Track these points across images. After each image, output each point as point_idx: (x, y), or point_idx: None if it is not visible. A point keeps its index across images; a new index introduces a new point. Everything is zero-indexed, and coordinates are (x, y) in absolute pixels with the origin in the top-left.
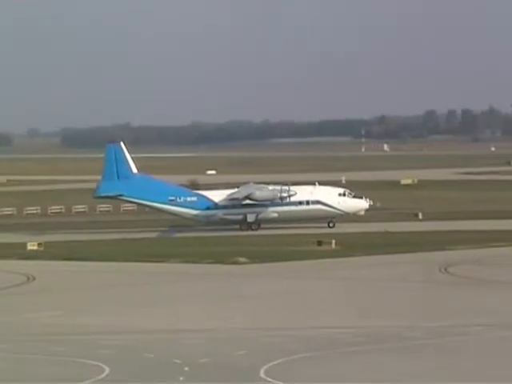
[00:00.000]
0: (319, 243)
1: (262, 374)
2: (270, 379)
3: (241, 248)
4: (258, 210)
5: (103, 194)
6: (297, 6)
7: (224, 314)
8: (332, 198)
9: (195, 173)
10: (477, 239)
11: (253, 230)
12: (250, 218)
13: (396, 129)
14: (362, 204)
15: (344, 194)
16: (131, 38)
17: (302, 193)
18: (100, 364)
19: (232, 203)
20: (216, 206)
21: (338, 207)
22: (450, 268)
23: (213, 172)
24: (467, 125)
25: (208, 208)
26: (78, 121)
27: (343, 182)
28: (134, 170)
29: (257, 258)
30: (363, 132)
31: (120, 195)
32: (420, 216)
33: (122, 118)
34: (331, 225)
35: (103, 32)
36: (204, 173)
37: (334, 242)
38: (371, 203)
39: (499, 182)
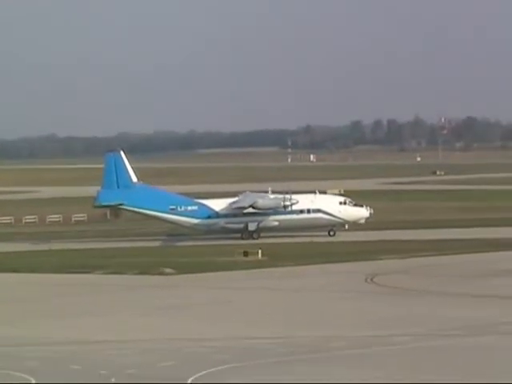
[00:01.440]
0: (245, 254)
1: None
2: None
3: (167, 259)
4: (259, 218)
5: (105, 203)
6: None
7: (150, 325)
8: (333, 206)
9: None
10: (403, 249)
11: (254, 238)
12: (252, 226)
13: (322, 139)
14: (363, 212)
15: (345, 203)
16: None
17: (303, 201)
18: (26, 376)
19: (233, 212)
20: (217, 215)
21: (339, 216)
22: (376, 278)
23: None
24: (393, 135)
25: (209, 217)
26: (4, 132)
27: (269, 192)
28: (134, 179)
29: (183, 268)
30: (289, 142)
31: (120, 204)
32: (346, 226)
33: (47, 129)
34: (332, 233)
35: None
36: None
37: (260, 252)
38: (371, 212)
39: (425, 191)
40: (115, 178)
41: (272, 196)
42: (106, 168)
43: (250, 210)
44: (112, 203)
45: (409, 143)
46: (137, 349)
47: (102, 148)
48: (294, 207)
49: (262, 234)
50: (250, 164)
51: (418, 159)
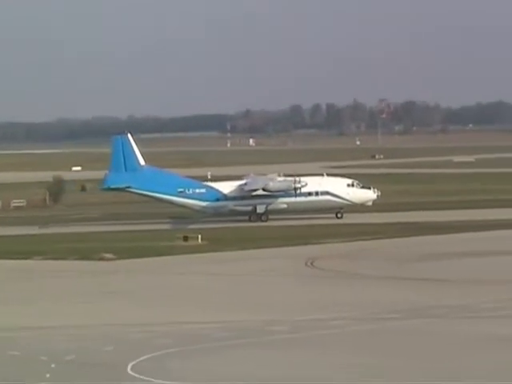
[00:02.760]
0: (185, 238)
1: (129, 370)
2: (137, 375)
3: (108, 244)
4: (268, 201)
5: (112, 186)
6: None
7: (91, 311)
8: (341, 188)
9: (61, 169)
10: (344, 233)
11: (262, 221)
12: (260, 209)
13: (261, 123)
14: (370, 195)
15: (352, 185)
16: None
17: (312, 184)
18: None
19: (241, 194)
20: (225, 198)
21: (347, 198)
22: (316, 261)
23: (78, 168)
24: (332, 119)
25: (217, 199)
26: None
27: (209, 177)
28: (142, 162)
29: (123, 253)
30: (229, 127)
31: (128, 187)
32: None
33: None
34: (339, 215)
35: None
36: (70, 169)
37: (200, 236)
38: (379, 194)
39: (364, 175)
40: (123, 161)
41: (281, 178)
42: (113, 151)
43: (260, 192)
44: (120, 186)
45: (348, 127)
46: (76, 335)
47: (41, 133)
48: (303, 190)
49: (270, 217)
50: (190, 148)
51: (358, 143)
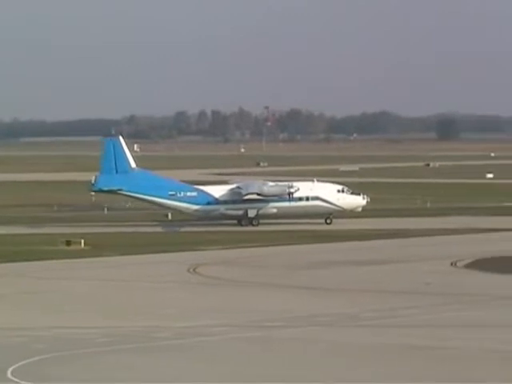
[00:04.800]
0: (68, 243)
1: (9, 375)
2: (17, 380)
3: None
4: (259, 205)
5: (104, 188)
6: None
7: None
8: (331, 194)
9: None
10: (227, 240)
11: (253, 225)
12: (251, 213)
13: (146, 129)
14: (360, 201)
15: (343, 191)
16: None
17: (302, 189)
18: None
19: (232, 198)
20: (217, 202)
21: (337, 203)
22: (199, 268)
23: None
24: (217, 126)
25: (208, 203)
26: None
27: (93, 182)
28: (133, 165)
29: (3, 257)
30: (113, 132)
31: (119, 189)
32: (170, 216)
33: None
34: (328, 221)
35: None
36: None
37: (83, 241)
38: (368, 200)
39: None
40: (114, 163)
41: (273, 183)
42: (104, 153)
43: (253, 196)
44: (111, 188)
45: (233, 134)
46: None
47: None
48: (294, 194)
49: (260, 221)
50: (74, 153)
51: (242, 150)
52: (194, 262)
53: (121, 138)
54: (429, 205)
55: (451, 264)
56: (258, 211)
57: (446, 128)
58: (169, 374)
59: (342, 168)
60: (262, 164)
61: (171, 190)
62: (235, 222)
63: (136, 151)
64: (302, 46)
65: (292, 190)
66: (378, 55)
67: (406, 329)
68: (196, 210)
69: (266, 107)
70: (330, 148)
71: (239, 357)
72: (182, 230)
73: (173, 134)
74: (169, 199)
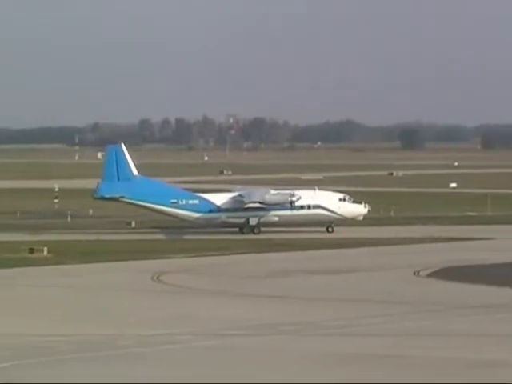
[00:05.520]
0: (31, 250)
1: None
2: None
3: None
4: (260, 213)
5: (106, 195)
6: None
7: None
8: (333, 202)
9: None
10: (190, 248)
11: (255, 233)
12: (253, 221)
13: (110, 137)
14: (361, 209)
15: (344, 199)
16: None
17: (304, 197)
18: None
19: (234, 206)
20: (218, 209)
21: (339, 212)
22: (162, 276)
23: None
24: (181, 134)
25: (210, 211)
26: None
27: (56, 189)
28: (135, 172)
29: None
30: (77, 139)
31: (121, 197)
32: (133, 224)
33: None
34: (330, 229)
35: None
36: None
37: (46, 249)
38: (369, 209)
39: (212, 191)
40: (116, 171)
41: (275, 192)
42: (106, 160)
43: (255, 204)
44: (113, 195)
45: (197, 142)
46: None
47: None
48: (296, 203)
49: (261, 229)
50: (37, 160)
51: (206, 158)
52: (158, 270)
53: (123, 145)
54: (392, 214)
55: (414, 273)
56: (259, 219)
57: (410, 137)
58: (132, 382)
59: (304, 177)
60: (225, 172)
61: (173, 198)
62: (237, 229)
63: (99, 158)
64: (266, 55)
65: (294, 199)
66: (342, 65)
67: (369, 338)
68: (197, 218)
69: (231, 115)
70: (294, 156)
71: (202, 365)
72: (152, 237)
73: (137, 142)
74: (170, 207)
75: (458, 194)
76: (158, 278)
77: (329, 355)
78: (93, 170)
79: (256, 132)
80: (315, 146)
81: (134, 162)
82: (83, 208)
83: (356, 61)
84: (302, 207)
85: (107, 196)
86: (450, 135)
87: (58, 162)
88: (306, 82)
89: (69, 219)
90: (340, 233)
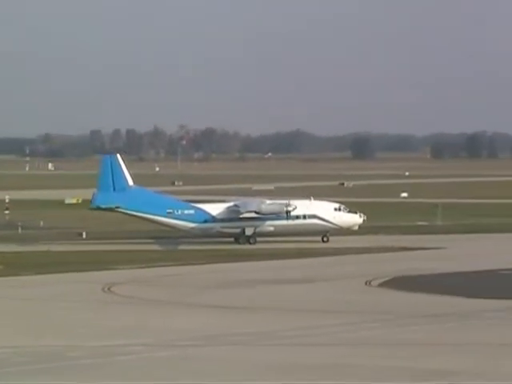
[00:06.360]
0: None
1: None
2: None
3: None
4: (256, 223)
5: (102, 206)
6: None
7: None
8: (328, 212)
9: None
10: (141, 259)
11: (250, 243)
12: (249, 231)
13: (61, 147)
14: (357, 219)
15: (339, 209)
16: None
17: (299, 207)
18: None
19: (229, 216)
20: (214, 219)
21: (334, 222)
22: (113, 287)
23: None
24: (132, 145)
25: (206, 221)
26: None
27: (7, 200)
28: (130, 182)
29: None
30: (27, 150)
31: (117, 207)
32: (84, 235)
33: None
34: (325, 239)
35: None
36: None
37: None
38: (365, 218)
39: None
40: (111, 181)
41: (271, 201)
42: (102, 170)
43: (251, 214)
44: (109, 206)
45: (148, 153)
46: None
47: None
48: (291, 213)
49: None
50: None
51: (157, 169)
52: (109, 281)
53: (118, 155)
54: None
55: (366, 283)
56: (255, 229)
57: (361, 147)
58: None
59: (255, 187)
60: (176, 183)
61: (169, 208)
62: (232, 239)
63: (50, 169)
64: (218, 67)
65: (290, 209)
66: (292, 76)
67: (322, 347)
68: (193, 228)
69: (182, 126)
70: (244, 167)
71: (154, 376)
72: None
73: (88, 153)
74: (166, 217)
75: (409, 204)
76: (109, 288)
77: (283, 365)
78: (43, 181)
79: (207, 143)
80: (266, 156)
81: (129, 172)
82: (34, 219)
83: (306, 72)
84: (297, 217)
85: (103, 206)
86: (401, 145)
87: (9, 173)
88: (256, 93)
89: (19, 230)
90: (291, 243)
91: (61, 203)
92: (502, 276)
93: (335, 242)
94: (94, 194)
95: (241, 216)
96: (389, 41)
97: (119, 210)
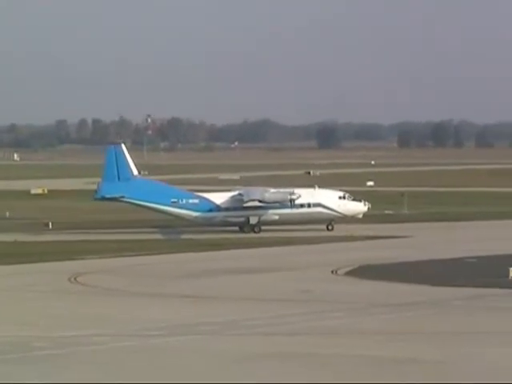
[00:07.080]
0: None
1: None
2: None
3: None
4: (260, 212)
5: (107, 196)
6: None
7: None
8: (333, 200)
9: None
10: (109, 249)
11: (255, 232)
12: (253, 220)
13: (27, 138)
14: (361, 207)
15: (344, 197)
16: None
17: (304, 195)
18: None
19: (234, 205)
20: (218, 208)
21: (339, 210)
22: (79, 277)
23: None
24: (98, 134)
25: (210, 210)
26: None
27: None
28: (135, 172)
29: None
30: None
31: (122, 197)
32: (50, 226)
33: None
34: (330, 227)
35: None
36: None
37: None
38: (369, 206)
39: None
40: (116, 171)
41: (274, 190)
42: (106, 160)
43: (256, 203)
44: (114, 195)
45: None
46: None
47: None
48: (296, 201)
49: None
50: None
51: None
52: (76, 271)
53: (123, 145)
54: None
55: (332, 272)
56: (259, 218)
57: (327, 136)
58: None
59: (222, 176)
60: (142, 173)
61: (173, 197)
62: (237, 228)
63: (16, 160)
64: (183, 56)
65: (294, 197)
66: (259, 64)
67: (286, 336)
68: (197, 217)
69: (148, 115)
70: (211, 156)
71: (119, 366)
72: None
73: (53, 143)
74: (171, 206)
75: (375, 193)
76: (75, 279)
77: (247, 354)
78: (9, 172)
79: (173, 132)
80: (232, 145)
81: (133, 162)
82: (0, 210)
83: (272, 60)
84: (302, 205)
85: (108, 196)
86: (367, 134)
87: None
88: (222, 82)
89: None
90: (264, 232)
91: (26, 193)
92: (467, 264)
93: (297, 230)
94: (98, 184)
95: (245, 205)
96: (343, 28)
97: (124, 199)
